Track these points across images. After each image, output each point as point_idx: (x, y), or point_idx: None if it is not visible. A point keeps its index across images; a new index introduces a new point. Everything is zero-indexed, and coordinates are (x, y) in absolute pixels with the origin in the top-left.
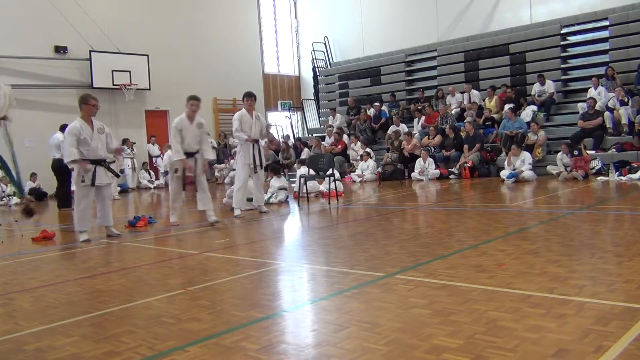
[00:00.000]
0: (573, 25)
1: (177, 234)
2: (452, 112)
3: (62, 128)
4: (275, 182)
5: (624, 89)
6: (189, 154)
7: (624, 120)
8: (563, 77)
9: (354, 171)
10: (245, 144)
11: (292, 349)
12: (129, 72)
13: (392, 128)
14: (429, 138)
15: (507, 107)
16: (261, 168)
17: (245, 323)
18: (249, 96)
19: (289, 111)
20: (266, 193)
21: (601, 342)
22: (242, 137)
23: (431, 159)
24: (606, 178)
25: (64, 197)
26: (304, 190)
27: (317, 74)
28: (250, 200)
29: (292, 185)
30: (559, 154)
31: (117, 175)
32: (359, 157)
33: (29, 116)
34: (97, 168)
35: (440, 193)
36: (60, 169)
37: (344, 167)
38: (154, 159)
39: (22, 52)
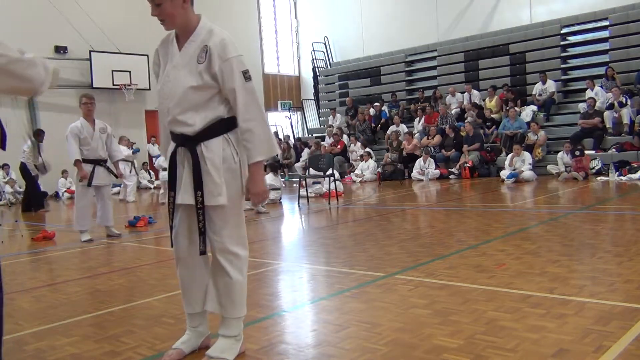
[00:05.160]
0: (573, 25)
1: None
2: (452, 112)
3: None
4: (269, 179)
5: (623, 89)
6: None
7: (625, 120)
8: (563, 77)
9: (354, 171)
10: None
11: (292, 349)
12: (129, 72)
13: (392, 128)
14: (428, 138)
15: (509, 107)
16: None
17: (245, 323)
18: None
19: (289, 111)
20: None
21: (601, 342)
22: None
23: (431, 159)
24: (606, 178)
25: (35, 199)
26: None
27: (317, 74)
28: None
29: (294, 185)
30: (560, 152)
31: (116, 176)
32: (358, 157)
33: None
34: (96, 168)
35: (440, 193)
36: (28, 172)
37: (344, 167)
38: (154, 159)
39: None
